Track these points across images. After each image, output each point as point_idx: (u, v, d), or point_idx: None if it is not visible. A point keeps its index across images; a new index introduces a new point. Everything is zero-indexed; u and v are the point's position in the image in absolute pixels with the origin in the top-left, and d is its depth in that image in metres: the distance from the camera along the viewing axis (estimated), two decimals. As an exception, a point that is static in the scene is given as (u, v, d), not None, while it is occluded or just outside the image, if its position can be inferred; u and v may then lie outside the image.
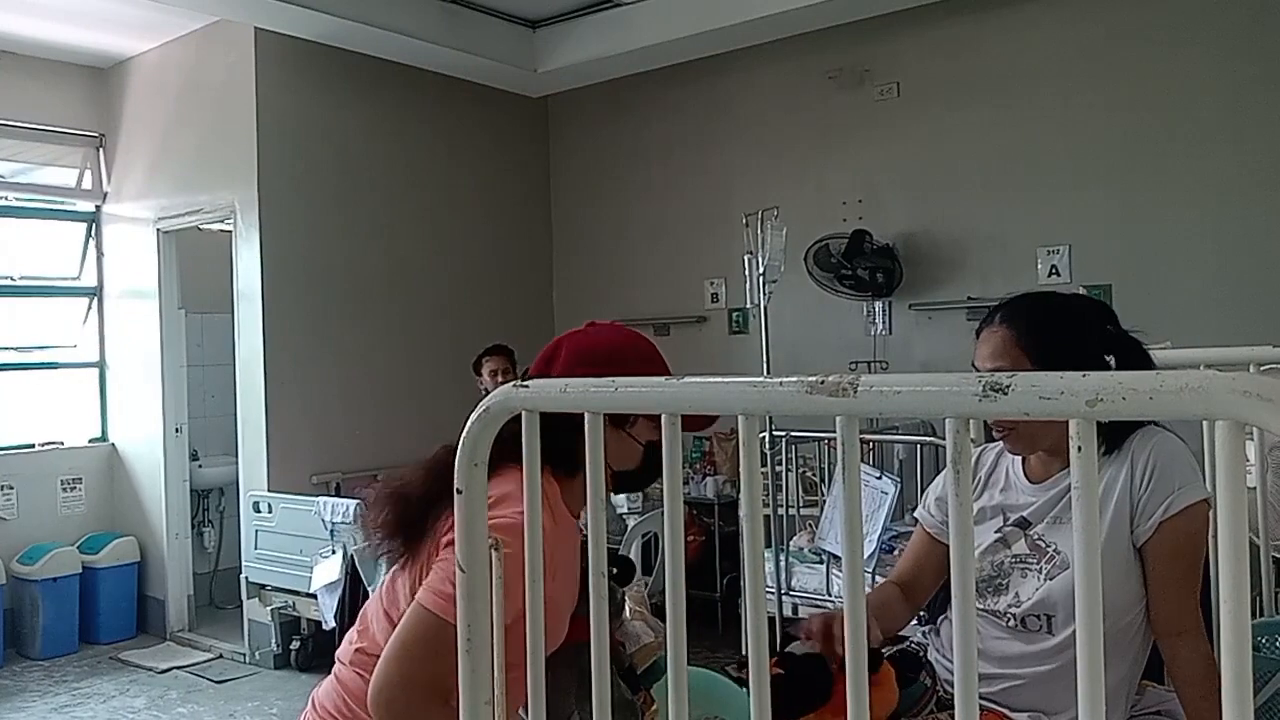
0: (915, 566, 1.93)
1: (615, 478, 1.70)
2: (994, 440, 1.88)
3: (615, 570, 1.77)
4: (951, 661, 1.77)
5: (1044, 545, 1.73)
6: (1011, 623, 1.72)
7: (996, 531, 1.79)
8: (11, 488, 5.58)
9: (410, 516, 1.60)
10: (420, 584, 1.50)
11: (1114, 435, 1.70)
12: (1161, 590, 1.64)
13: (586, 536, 1.15)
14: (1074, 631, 1.60)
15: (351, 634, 1.70)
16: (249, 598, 5.11)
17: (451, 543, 1.49)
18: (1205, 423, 1.86)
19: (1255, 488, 2.36)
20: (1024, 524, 1.77)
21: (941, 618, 1.94)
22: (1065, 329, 1.75)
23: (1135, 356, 1.76)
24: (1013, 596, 1.73)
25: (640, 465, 1.71)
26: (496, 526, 1.44)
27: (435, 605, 1.43)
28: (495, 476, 1.57)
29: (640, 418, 1.65)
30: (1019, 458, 1.84)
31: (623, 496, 5.09)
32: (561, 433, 1.57)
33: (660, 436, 1.55)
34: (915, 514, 2.03)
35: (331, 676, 1.68)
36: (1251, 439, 2.27)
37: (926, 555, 1.92)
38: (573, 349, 1.69)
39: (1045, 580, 1.69)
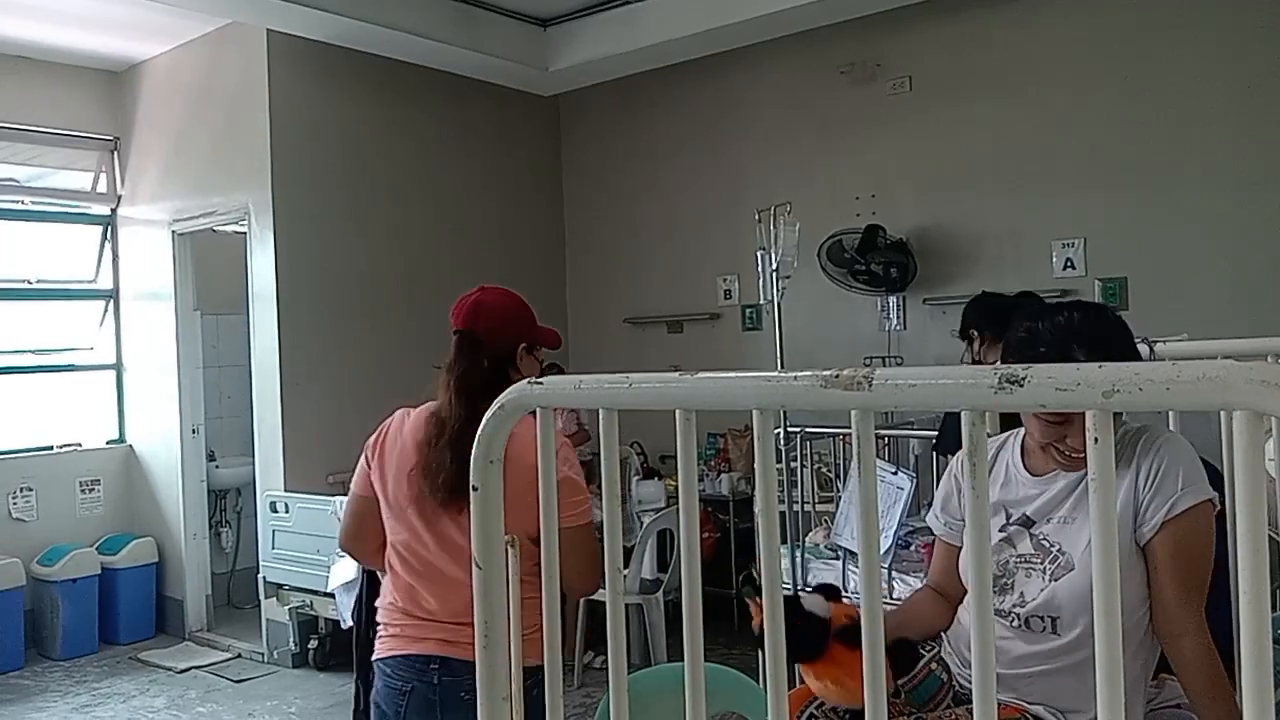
0: (943, 571, 1.93)
1: None
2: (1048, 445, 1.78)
3: None
4: (964, 657, 1.77)
5: (1048, 545, 1.72)
6: (1016, 623, 1.72)
7: (1000, 530, 1.78)
8: (30, 489, 5.62)
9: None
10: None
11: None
12: (1162, 591, 1.64)
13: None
14: (1080, 633, 1.61)
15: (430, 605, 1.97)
16: (267, 597, 5.14)
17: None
18: (1223, 413, 1.85)
19: (1273, 480, 2.34)
20: (1028, 523, 1.77)
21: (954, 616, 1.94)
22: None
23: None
24: (1017, 596, 1.73)
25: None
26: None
27: (573, 521, 1.85)
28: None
29: (541, 340, 2.10)
30: (1018, 449, 1.84)
31: (648, 491, 5.06)
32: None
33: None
34: (927, 520, 2.02)
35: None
36: (1271, 434, 2.25)
37: (948, 558, 1.92)
38: (492, 308, 2.08)
39: (1050, 581, 1.69)
